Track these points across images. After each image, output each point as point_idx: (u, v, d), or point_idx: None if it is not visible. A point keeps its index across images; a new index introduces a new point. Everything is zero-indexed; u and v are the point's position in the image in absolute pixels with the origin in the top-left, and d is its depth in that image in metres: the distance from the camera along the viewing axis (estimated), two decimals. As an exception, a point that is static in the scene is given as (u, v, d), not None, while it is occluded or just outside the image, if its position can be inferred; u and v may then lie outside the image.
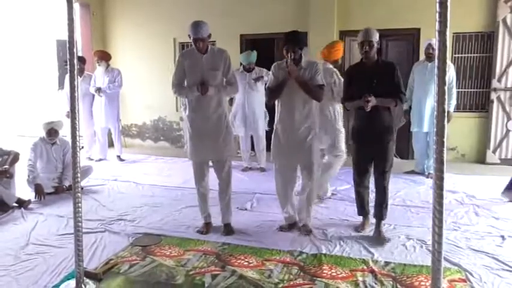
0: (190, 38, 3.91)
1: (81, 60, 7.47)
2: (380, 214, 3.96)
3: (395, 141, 4.08)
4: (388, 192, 3.97)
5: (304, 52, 4.00)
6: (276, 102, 4.10)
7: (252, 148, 7.02)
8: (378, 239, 3.86)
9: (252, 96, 6.59)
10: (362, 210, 4.16)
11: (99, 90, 7.30)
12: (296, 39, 3.93)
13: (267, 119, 6.74)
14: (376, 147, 3.92)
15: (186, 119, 4.19)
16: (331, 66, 4.94)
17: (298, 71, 3.89)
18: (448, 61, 6.23)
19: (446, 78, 2.15)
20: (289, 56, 3.88)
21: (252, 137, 6.88)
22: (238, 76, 6.39)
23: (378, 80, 3.82)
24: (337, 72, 4.94)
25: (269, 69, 6.46)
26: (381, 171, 3.92)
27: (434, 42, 5.84)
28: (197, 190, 4.21)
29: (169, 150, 8.78)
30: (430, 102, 5.96)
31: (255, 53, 6.68)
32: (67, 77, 6.94)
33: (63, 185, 5.51)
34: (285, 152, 4.07)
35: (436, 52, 2.05)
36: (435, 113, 2.12)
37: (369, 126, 3.92)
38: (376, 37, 3.83)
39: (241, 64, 6.66)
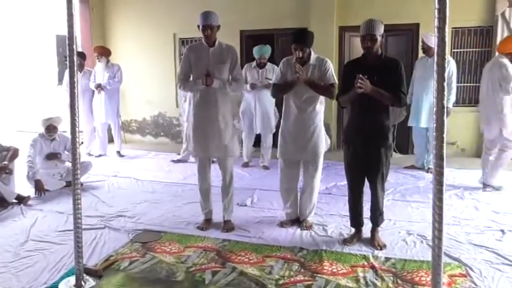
0: (199, 28, 3.92)
1: (82, 56, 7.45)
2: (375, 220, 3.73)
3: (391, 147, 3.70)
4: (382, 201, 3.71)
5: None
6: (284, 96, 4.10)
7: (254, 145, 6.92)
8: (372, 244, 3.67)
9: (263, 94, 6.38)
10: (353, 221, 3.86)
11: (99, 86, 7.29)
12: (304, 38, 3.87)
13: (277, 118, 6.54)
14: (368, 152, 3.60)
15: (189, 114, 4.17)
16: (505, 59, 5.07)
17: (307, 68, 3.89)
18: (449, 56, 6.27)
19: (445, 74, 2.14)
20: (297, 54, 3.86)
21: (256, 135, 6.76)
22: (250, 71, 6.39)
23: (379, 77, 3.43)
24: (508, 65, 5.06)
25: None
26: (373, 181, 3.65)
27: (427, 38, 5.89)
28: (199, 186, 4.21)
29: (169, 146, 8.75)
30: (429, 98, 5.95)
31: (268, 48, 6.49)
32: (67, 72, 6.92)
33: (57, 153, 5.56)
34: (291, 148, 4.08)
35: (435, 48, 2.05)
36: (434, 108, 2.11)
37: (362, 125, 3.60)
38: (380, 30, 3.43)
39: (254, 59, 6.52)
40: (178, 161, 7.07)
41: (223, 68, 3.98)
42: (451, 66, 5.92)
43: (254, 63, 6.46)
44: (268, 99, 6.41)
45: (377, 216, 3.72)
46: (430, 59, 5.97)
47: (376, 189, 3.65)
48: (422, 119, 6.09)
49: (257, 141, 6.86)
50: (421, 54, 6.75)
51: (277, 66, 6.34)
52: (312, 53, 3.97)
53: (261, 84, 6.32)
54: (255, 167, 6.69)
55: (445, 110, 2.12)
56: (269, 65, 6.47)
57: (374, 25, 3.41)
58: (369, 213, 3.78)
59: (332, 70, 3.98)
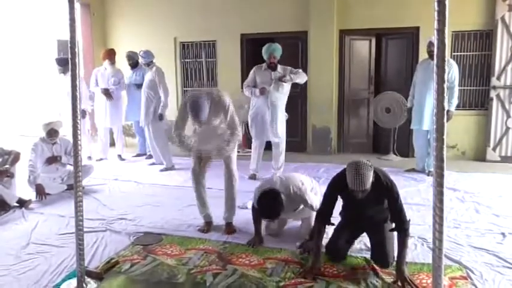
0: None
1: (65, 61, 7.40)
2: (383, 262, 3.27)
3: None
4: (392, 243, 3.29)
5: None
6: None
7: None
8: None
9: (275, 98, 5.85)
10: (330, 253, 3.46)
11: (107, 92, 7.31)
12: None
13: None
14: (368, 226, 3.40)
15: None
16: None
17: None
18: (451, 59, 6.26)
19: (448, 77, 2.16)
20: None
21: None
22: (261, 74, 5.91)
23: (372, 203, 3.22)
24: None
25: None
26: (380, 244, 3.28)
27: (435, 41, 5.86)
28: (194, 189, 4.21)
29: (170, 149, 8.75)
30: (431, 101, 5.94)
31: (277, 46, 5.86)
32: (61, 76, 7.03)
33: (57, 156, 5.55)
34: None
35: (435, 50, 2.06)
36: (435, 110, 2.12)
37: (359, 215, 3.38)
38: (370, 177, 3.00)
39: (255, 63, 6.11)
40: (166, 169, 6.92)
41: (218, 120, 3.97)
42: (454, 69, 5.91)
43: (264, 65, 5.88)
44: (280, 104, 5.91)
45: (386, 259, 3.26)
46: (432, 61, 5.96)
47: (384, 240, 3.29)
48: (425, 121, 6.06)
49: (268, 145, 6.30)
50: (421, 57, 6.77)
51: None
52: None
53: (275, 86, 5.80)
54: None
55: (446, 111, 2.12)
56: (279, 67, 5.87)
57: (364, 180, 2.96)
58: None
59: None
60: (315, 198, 3.73)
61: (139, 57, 6.90)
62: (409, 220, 3.16)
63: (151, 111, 6.83)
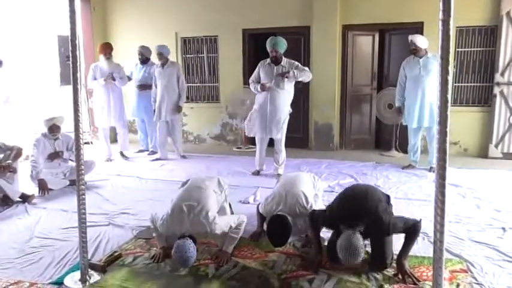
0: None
1: None
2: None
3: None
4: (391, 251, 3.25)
5: None
6: None
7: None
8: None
9: (276, 95, 5.72)
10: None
11: (110, 77, 7.15)
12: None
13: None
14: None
15: None
16: None
17: None
18: (437, 54, 6.18)
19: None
20: None
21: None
22: (264, 68, 5.83)
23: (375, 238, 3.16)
24: None
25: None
26: (379, 247, 3.19)
27: (416, 38, 5.88)
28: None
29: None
30: (429, 97, 5.92)
31: (279, 39, 5.70)
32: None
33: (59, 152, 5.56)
34: None
35: (440, 42, 2.08)
36: (436, 103, 2.13)
37: None
38: (362, 253, 2.84)
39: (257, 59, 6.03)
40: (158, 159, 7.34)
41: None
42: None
43: (268, 60, 5.78)
44: (282, 101, 5.77)
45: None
46: (421, 59, 5.97)
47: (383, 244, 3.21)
48: (425, 118, 6.02)
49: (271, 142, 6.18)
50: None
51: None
52: None
53: (276, 82, 5.66)
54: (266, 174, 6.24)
55: (448, 105, 2.13)
56: (285, 61, 5.74)
57: (357, 257, 2.81)
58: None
59: None
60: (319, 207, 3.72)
61: (161, 52, 6.96)
62: (420, 220, 3.16)
63: (174, 104, 7.11)
